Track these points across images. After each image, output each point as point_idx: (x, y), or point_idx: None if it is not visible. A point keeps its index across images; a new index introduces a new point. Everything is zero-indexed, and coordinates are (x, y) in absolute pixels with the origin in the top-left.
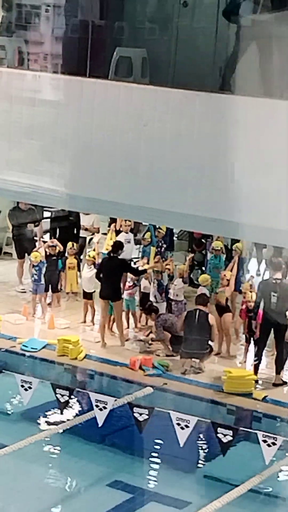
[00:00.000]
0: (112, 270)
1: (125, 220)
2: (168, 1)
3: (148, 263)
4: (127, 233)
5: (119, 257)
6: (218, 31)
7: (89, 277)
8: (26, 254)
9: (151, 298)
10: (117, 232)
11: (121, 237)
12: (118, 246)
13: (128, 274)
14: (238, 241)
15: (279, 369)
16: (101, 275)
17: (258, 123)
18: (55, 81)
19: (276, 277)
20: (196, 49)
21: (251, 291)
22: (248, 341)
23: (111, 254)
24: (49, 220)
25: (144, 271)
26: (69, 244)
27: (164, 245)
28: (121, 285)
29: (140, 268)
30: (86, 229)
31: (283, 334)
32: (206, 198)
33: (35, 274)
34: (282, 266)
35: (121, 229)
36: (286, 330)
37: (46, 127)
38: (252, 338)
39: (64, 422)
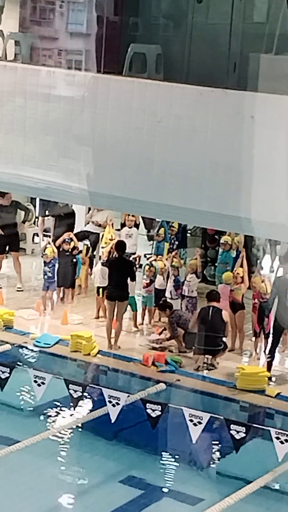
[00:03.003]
0: (119, 271)
1: (128, 215)
2: None
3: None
4: (130, 227)
5: (127, 257)
6: (232, 27)
7: (100, 271)
8: (6, 250)
9: (167, 295)
10: (122, 226)
11: (123, 232)
12: (120, 246)
13: (144, 271)
14: (251, 237)
15: None
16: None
17: (273, 119)
18: (70, 77)
19: None
20: (211, 45)
21: (263, 283)
22: (258, 336)
23: (117, 254)
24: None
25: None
26: (85, 247)
27: (176, 242)
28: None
29: (153, 263)
30: (99, 225)
31: None
32: (221, 194)
33: (49, 272)
34: None
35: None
36: None
37: (61, 123)
38: (262, 333)
39: (77, 418)
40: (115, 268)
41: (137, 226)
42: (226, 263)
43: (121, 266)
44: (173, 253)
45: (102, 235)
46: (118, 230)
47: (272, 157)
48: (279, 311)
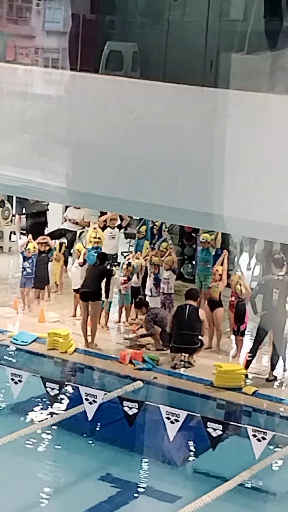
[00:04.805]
0: (96, 277)
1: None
2: None
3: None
4: (113, 228)
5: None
6: (209, 25)
7: (76, 272)
8: None
9: (147, 292)
10: (104, 227)
11: (106, 232)
12: (102, 259)
13: (122, 269)
14: (229, 235)
15: (274, 365)
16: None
17: (250, 117)
18: (46, 75)
19: (279, 273)
20: (187, 43)
21: (240, 284)
22: (237, 335)
23: (97, 264)
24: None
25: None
26: (58, 244)
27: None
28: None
29: (131, 261)
30: (76, 223)
31: (282, 331)
32: (198, 192)
33: (28, 267)
34: (284, 263)
35: (108, 224)
36: (285, 326)
37: (38, 121)
38: (239, 330)
39: (54, 415)
40: (92, 275)
41: (119, 226)
42: (206, 261)
43: (98, 274)
44: (154, 251)
45: (80, 233)
46: (95, 228)
47: (250, 154)
48: (263, 311)
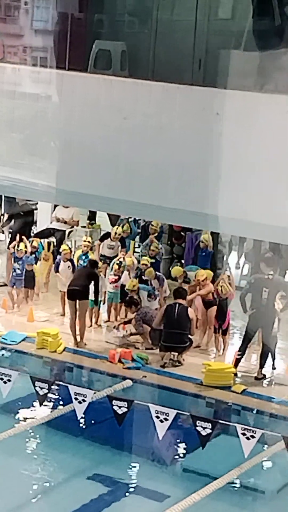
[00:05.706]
0: (84, 277)
1: (117, 227)
2: None
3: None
4: (114, 241)
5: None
6: (197, 24)
7: (65, 274)
8: None
9: (143, 303)
10: (104, 237)
11: (105, 242)
12: (93, 264)
13: (112, 269)
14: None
15: (263, 364)
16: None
17: (241, 115)
18: (35, 74)
19: (269, 272)
20: (176, 41)
21: (221, 285)
22: (217, 333)
23: (87, 266)
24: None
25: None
26: (46, 243)
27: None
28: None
29: (121, 261)
30: (65, 222)
31: (271, 329)
32: (187, 191)
33: (18, 268)
34: (275, 262)
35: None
36: (273, 325)
37: (27, 120)
38: (220, 329)
39: (43, 415)
40: (80, 273)
41: (121, 240)
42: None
43: (87, 274)
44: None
45: (69, 232)
46: (84, 227)
47: (240, 153)
48: (253, 310)
